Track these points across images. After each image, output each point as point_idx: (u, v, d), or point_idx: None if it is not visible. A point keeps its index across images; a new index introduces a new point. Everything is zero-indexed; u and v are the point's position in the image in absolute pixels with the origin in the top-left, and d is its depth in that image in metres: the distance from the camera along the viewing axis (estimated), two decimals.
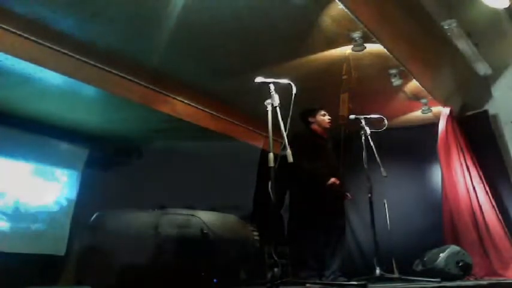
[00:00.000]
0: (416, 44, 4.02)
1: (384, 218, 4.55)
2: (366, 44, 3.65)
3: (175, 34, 3.52)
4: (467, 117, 5.22)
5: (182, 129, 4.96)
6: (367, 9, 3.38)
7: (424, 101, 4.86)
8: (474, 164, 4.73)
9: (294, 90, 2.68)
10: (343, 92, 4.48)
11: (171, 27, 3.43)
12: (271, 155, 2.56)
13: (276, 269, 2.35)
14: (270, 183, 2.51)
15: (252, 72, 3.14)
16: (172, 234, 2.77)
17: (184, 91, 4.62)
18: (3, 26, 3.22)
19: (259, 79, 2.75)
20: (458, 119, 5.03)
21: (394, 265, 4.10)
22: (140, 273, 2.68)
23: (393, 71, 4.17)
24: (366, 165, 3.71)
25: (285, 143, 2.55)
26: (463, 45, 4.09)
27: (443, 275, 3.46)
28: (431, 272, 3.55)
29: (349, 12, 3.21)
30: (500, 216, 4.41)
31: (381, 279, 3.39)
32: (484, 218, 4.40)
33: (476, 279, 3.84)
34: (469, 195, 4.54)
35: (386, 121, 3.81)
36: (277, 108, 2.65)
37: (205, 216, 2.95)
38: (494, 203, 4.49)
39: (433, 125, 5.05)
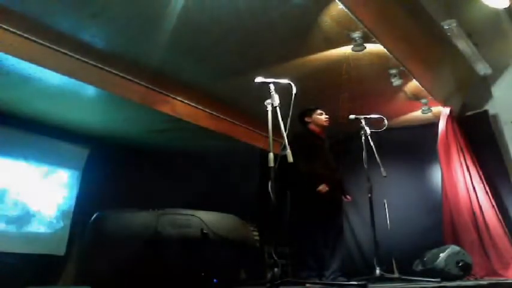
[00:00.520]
0: (416, 44, 4.02)
1: (384, 218, 4.56)
2: (366, 44, 3.65)
3: (175, 34, 3.52)
4: (467, 117, 5.22)
5: (182, 129, 4.96)
6: (367, 9, 3.38)
7: (424, 101, 4.86)
8: (474, 164, 4.73)
9: (294, 90, 2.68)
10: (343, 92, 4.50)
11: (171, 27, 3.43)
12: (271, 155, 2.56)
13: (276, 269, 2.35)
14: (270, 183, 2.51)
15: (252, 72, 3.15)
16: (172, 234, 2.77)
17: (184, 91, 4.62)
18: (3, 26, 3.23)
19: (259, 79, 2.75)
20: (458, 119, 5.03)
21: (394, 265, 4.11)
22: (140, 273, 2.68)
23: (393, 71, 4.17)
24: (366, 165, 3.71)
25: (285, 143, 2.55)
26: (463, 45, 4.10)
27: (443, 275, 3.46)
28: (431, 272, 3.55)
29: (349, 12, 3.21)
30: (500, 216, 4.41)
31: (381, 279, 3.39)
32: (484, 218, 4.40)
33: (476, 279, 3.84)
34: (469, 195, 4.54)
35: (386, 121, 3.81)
36: (277, 108, 2.65)
37: (205, 216, 2.95)
38: (494, 203, 4.49)
39: (433, 125, 5.05)
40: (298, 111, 3.66)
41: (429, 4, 3.66)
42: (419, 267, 3.79)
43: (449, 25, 3.80)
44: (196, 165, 5.79)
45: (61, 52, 3.58)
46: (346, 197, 3.74)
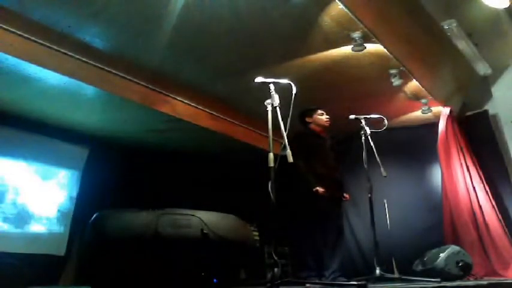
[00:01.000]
0: (416, 44, 4.02)
1: (384, 218, 4.57)
2: (366, 44, 3.64)
3: (175, 34, 3.52)
4: (467, 117, 5.22)
5: (182, 129, 4.96)
6: (367, 9, 3.38)
7: (424, 101, 4.86)
8: (474, 164, 4.73)
9: (294, 90, 2.68)
10: (343, 92, 4.49)
11: (171, 27, 3.43)
12: (271, 155, 2.56)
13: (276, 269, 2.35)
14: (270, 183, 2.51)
15: (252, 72, 3.15)
16: (172, 234, 2.77)
17: (184, 91, 4.62)
18: (3, 26, 3.22)
19: (259, 79, 2.75)
20: (458, 119, 5.03)
21: (394, 265, 4.11)
22: (140, 273, 2.68)
23: (393, 71, 4.16)
24: (366, 165, 3.71)
25: (285, 143, 2.55)
26: (463, 45, 4.10)
27: (443, 275, 3.46)
28: (431, 272, 3.55)
29: (349, 12, 3.21)
30: (500, 216, 4.41)
31: (381, 279, 3.39)
32: (484, 218, 4.40)
33: (476, 279, 3.84)
34: (469, 195, 4.54)
35: (386, 121, 3.81)
36: (277, 108, 2.65)
37: (205, 216, 2.95)
38: (494, 203, 4.49)
39: (433, 125, 5.05)
40: (298, 111, 3.66)
41: (429, 4, 3.65)
42: (419, 267, 3.79)
43: (449, 25, 3.80)
44: (196, 165, 5.79)
45: (61, 52, 3.58)
46: (344, 196, 3.74)
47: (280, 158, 2.55)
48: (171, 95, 4.54)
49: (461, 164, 4.69)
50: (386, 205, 4.73)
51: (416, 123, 5.38)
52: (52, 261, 4.62)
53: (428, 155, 5.17)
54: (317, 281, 3.18)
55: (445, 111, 4.94)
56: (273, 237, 2.48)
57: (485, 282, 2.69)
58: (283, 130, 2.59)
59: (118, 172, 5.10)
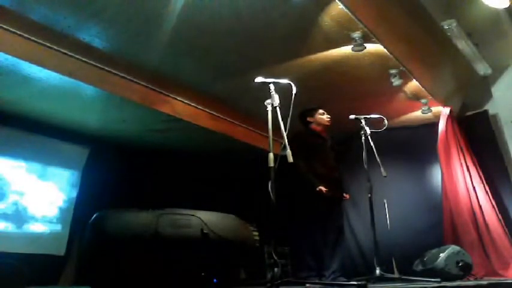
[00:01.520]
0: (416, 44, 4.02)
1: (384, 218, 4.56)
2: (366, 44, 3.64)
3: (175, 34, 3.52)
4: (467, 117, 5.22)
5: (182, 129, 4.96)
6: (367, 9, 3.38)
7: (424, 101, 4.86)
8: (474, 164, 4.73)
9: (294, 90, 2.68)
10: (343, 92, 4.49)
11: (171, 27, 3.43)
12: (271, 155, 2.56)
13: (276, 269, 2.35)
14: (270, 183, 2.51)
15: (252, 72, 3.15)
16: (172, 234, 2.77)
17: (184, 91, 4.62)
18: (3, 26, 3.23)
19: (259, 79, 2.75)
20: (458, 119, 5.03)
21: (394, 265, 4.11)
22: (140, 273, 2.68)
23: (393, 71, 4.17)
24: (366, 165, 3.70)
25: (285, 143, 2.55)
26: (463, 45, 4.10)
27: (443, 275, 3.46)
28: (431, 272, 3.55)
29: (349, 12, 3.21)
30: (500, 216, 4.41)
31: (381, 279, 3.39)
32: (484, 218, 4.40)
33: (476, 279, 3.84)
34: (469, 195, 4.54)
35: (386, 121, 3.81)
36: (277, 108, 2.65)
37: (205, 216, 2.95)
38: (494, 203, 4.49)
39: (433, 125, 5.05)
40: (298, 111, 3.66)
41: (429, 4, 3.65)
42: (419, 267, 3.79)
43: (449, 25, 3.80)
44: (196, 165, 5.79)
45: (61, 52, 3.58)
46: (344, 196, 3.74)
47: (280, 158, 2.55)
48: (171, 95, 4.54)
49: (461, 164, 4.69)
50: (386, 205, 4.73)
51: (416, 123, 5.39)
52: (52, 261, 4.62)
53: (428, 155, 5.17)
54: (317, 281, 3.18)
55: (445, 111, 4.94)
56: (273, 237, 2.48)
57: (485, 282, 2.69)
58: (283, 130, 2.59)
59: (118, 172, 5.10)
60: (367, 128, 3.77)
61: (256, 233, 3.52)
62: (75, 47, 3.63)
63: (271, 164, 2.55)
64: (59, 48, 3.55)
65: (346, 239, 4.43)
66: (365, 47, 3.67)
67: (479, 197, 4.50)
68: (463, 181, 4.61)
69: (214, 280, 2.97)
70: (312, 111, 3.81)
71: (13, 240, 4.47)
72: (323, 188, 3.44)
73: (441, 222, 4.65)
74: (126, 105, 4.36)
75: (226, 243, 2.94)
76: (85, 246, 3.07)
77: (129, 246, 2.67)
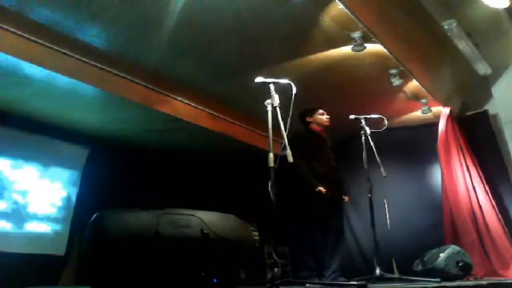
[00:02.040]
0: (416, 44, 4.02)
1: (384, 218, 4.56)
2: (366, 44, 3.64)
3: (175, 34, 3.52)
4: (467, 117, 5.23)
5: (182, 129, 4.95)
6: (367, 9, 3.38)
7: (424, 101, 4.86)
8: (474, 164, 4.73)
9: (294, 90, 2.68)
10: (343, 92, 4.48)
11: (171, 27, 3.43)
12: (271, 155, 2.57)
13: (276, 269, 2.35)
14: (270, 183, 2.51)
15: (252, 72, 3.15)
16: (172, 234, 2.77)
17: (184, 91, 4.62)
18: (3, 26, 3.22)
19: (259, 79, 2.75)
20: (458, 119, 5.04)
21: (394, 265, 4.10)
22: (140, 273, 2.68)
23: (393, 71, 4.17)
24: (366, 165, 3.71)
25: (285, 143, 2.55)
26: (463, 45, 4.10)
27: (443, 275, 3.46)
28: (431, 272, 3.54)
29: (349, 12, 3.21)
30: (500, 216, 4.41)
31: (381, 279, 3.39)
32: (484, 218, 4.40)
33: (476, 279, 3.84)
34: (469, 195, 4.54)
35: (386, 121, 3.81)
36: (277, 108, 2.65)
37: (205, 216, 2.95)
38: (494, 203, 4.49)
39: (433, 125, 5.05)
40: (298, 111, 3.66)
41: (429, 4, 3.66)
42: (419, 267, 3.78)
43: (449, 25, 3.80)
44: (196, 165, 5.79)
45: (61, 52, 3.58)
46: (344, 198, 3.74)
47: (280, 158, 2.55)
48: (171, 95, 4.54)
49: (461, 164, 4.69)
50: (386, 205, 4.72)
51: (416, 123, 5.38)
52: (52, 261, 4.62)
53: (428, 155, 5.17)
54: (317, 281, 3.18)
55: (445, 111, 4.94)
56: (273, 237, 2.48)
57: (485, 282, 2.69)
58: (283, 130, 2.59)
59: (118, 172, 5.10)
60: (367, 128, 3.77)
61: (256, 233, 3.52)
62: (75, 47, 3.62)
63: (271, 164, 2.55)
64: (59, 48, 3.55)
65: (346, 239, 4.43)
66: (365, 47, 3.67)
67: (479, 197, 4.50)
68: (463, 181, 4.61)
69: (214, 280, 2.97)
70: (312, 111, 3.81)
71: (13, 240, 4.46)
72: (322, 189, 3.44)
73: (441, 222, 4.65)
74: (126, 105, 4.36)
75: (226, 243, 2.94)
76: (85, 246, 3.07)
77: (129, 246, 2.67)
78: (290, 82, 2.72)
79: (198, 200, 3.75)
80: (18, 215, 4.59)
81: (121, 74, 4.04)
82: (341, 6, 3.14)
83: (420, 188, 5.24)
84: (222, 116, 5.10)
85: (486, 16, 3.93)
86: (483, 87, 5.06)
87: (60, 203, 4.98)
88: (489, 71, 4.78)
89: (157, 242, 2.70)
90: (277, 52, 3.93)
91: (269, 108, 2.68)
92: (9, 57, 3.38)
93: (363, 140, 3.76)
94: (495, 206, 4.48)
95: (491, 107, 5.03)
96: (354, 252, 5.39)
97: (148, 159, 5.47)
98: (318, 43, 3.79)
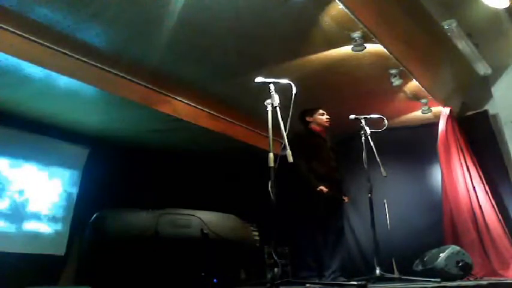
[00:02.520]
0: (416, 44, 4.02)
1: (384, 218, 4.56)
2: (366, 44, 3.64)
3: (175, 34, 3.52)
4: (467, 117, 5.22)
5: (182, 129, 4.96)
6: (367, 9, 3.38)
7: (424, 101, 4.86)
8: (474, 164, 4.73)
9: (294, 90, 2.68)
10: (343, 92, 4.48)
11: (171, 27, 3.43)
12: (271, 155, 2.57)
13: (276, 269, 2.35)
14: (270, 183, 2.51)
15: (252, 72, 3.15)
16: (172, 234, 2.77)
17: (184, 91, 4.62)
18: (3, 26, 3.22)
19: (259, 79, 2.75)
20: (458, 119, 5.04)
21: (394, 265, 4.11)
22: (140, 273, 2.68)
23: (393, 71, 4.16)
24: (366, 165, 3.71)
25: (285, 143, 2.55)
26: (463, 45, 4.10)
27: (443, 275, 3.46)
28: (431, 272, 3.55)
29: (349, 12, 3.21)
30: (500, 216, 4.41)
31: (381, 279, 3.39)
32: (484, 218, 4.40)
33: (476, 279, 3.84)
34: (469, 195, 4.54)
35: (386, 121, 3.81)
36: (277, 108, 2.65)
37: (205, 216, 2.96)
38: (494, 203, 4.49)
39: (433, 125, 5.05)
40: (298, 111, 3.66)
41: (429, 4, 3.66)
42: (419, 267, 3.79)
43: (449, 25, 3.80)
44: (196, 165, 5.79)
45: (61, 52, 3.58)
46: (344, 198, 3.74)
47: (280, 158, 2.55)
48: (171, 95, 4.54)
49: (461, 164, 4.69)
50: (386, 205, 4.72)
51: (416, 123, 5.38)
52: (52, 261, 4.61)
53: (428, 155, 5.17)
54: (317, 281, 3.18)
55: (445, 111, 4.94)
56: (273, 237, 2.48)
57: (485, 282, 2.69)
58: (283, 130, 2.60)
59: (118, 172, 5.10)
60: (367, 128, 3.77)
61: (256, 233, 3.53)
62: (75, 47, 3.62)
63: (271, 164, 2.55)
64: (59, 48, 3.55)
65: (346, 239, 4.43)
66: (365, 47, 3.66)
67: (479, 197, 4.50)
68: (463, 181, 4.61)
69: (214, 280, 2.97)
70: (312, 111, 3.82)
71: (13, 240, 4.46)
72: (324, 188, 3.44)
73: (441, 222, 4.65)
74: (126, 105, 4.36)
75: (226, 243, 2.94)
76: (85, 246, 3.08)
77: (129, 246, 2.67)
78: (290, 82, 2.72)
79: (198, 200, 3.75)
80: (18, 214, 4.59)
81: (121, 74, 4.04)
82: (341, 6, 3.14)
83: (420, 188, 5.24)
84: (222, 116, 5.10)
85: (486, 16, 3.93)
86: (483, 87, 5.06)
87: (60, 203, 4.98)
88: (489, 71, 4.78)
89: (157, 242, 2.71)
90: (277, 52, 3.93)
91: (269, 108, 2.68)
92: (9, 57, 3.37)
93: (363, 140, 3.76)
94: (495, 206, 4.47)
95: (491, 107, 5.03)
96: (354, 252, 5.39)
97: (149, 159, 5.47)
98: (318, 43, 3.79)
